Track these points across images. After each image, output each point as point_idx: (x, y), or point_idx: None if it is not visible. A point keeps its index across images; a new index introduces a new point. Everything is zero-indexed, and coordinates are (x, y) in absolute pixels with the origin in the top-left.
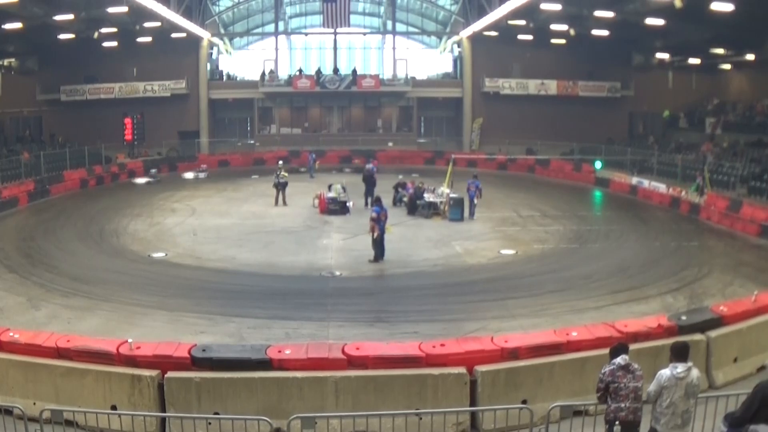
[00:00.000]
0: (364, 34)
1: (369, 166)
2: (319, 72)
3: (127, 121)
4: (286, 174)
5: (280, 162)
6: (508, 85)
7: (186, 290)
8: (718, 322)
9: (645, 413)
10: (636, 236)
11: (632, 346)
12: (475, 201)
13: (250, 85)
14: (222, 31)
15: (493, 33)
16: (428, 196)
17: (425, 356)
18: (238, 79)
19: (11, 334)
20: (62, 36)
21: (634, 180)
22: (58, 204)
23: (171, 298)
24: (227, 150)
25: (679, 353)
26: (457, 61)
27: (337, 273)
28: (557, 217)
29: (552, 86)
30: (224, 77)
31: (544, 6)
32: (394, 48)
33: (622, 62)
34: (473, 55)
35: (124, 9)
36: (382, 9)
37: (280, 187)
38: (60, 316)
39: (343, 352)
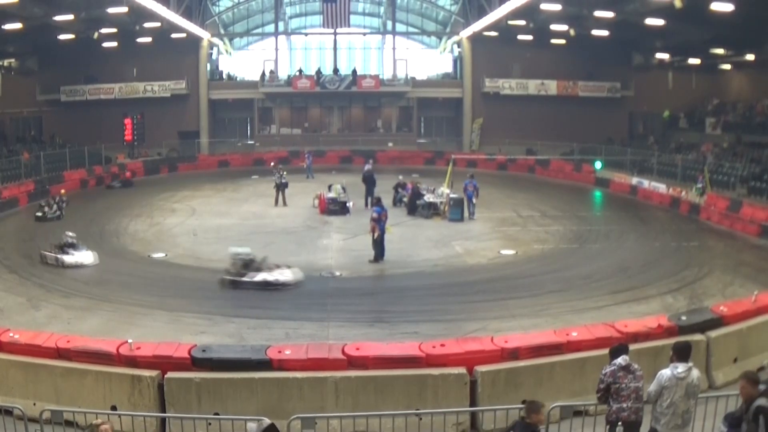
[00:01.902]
0: (364, 34)
1: (368, 166)
2: (319, 72)
3: (127, 121)
4: (285, 173)
5: (272, 163)
6: (508, 86)
7: (186, 290)
8: (718, 322)
9: (645, 413)
10: (636, 236)
11: (632, 347)
12: (474, 200)
13: (250, 85)
14: (222, 31)
15: (493, 33)
16: (428, 197)
17: (425, 356)
18: (238, 79)
19: (11, 334)
20: (62, 36)
21: (634, 180)
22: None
23: (171, 298)
24: (227, 150)
25: (681, 353)
26: (457, 61)
27: (337, 273)
28: (557, 217)
29: (552, 86)
30: (224, 77)
31: (544, 6)
32: (394, 48)
33: (622, 62)
34: (473, 55)
35: (124, 9)
36: (382, 9)
37: (281, 187)
38: (60, 316)
39: (343, 352)
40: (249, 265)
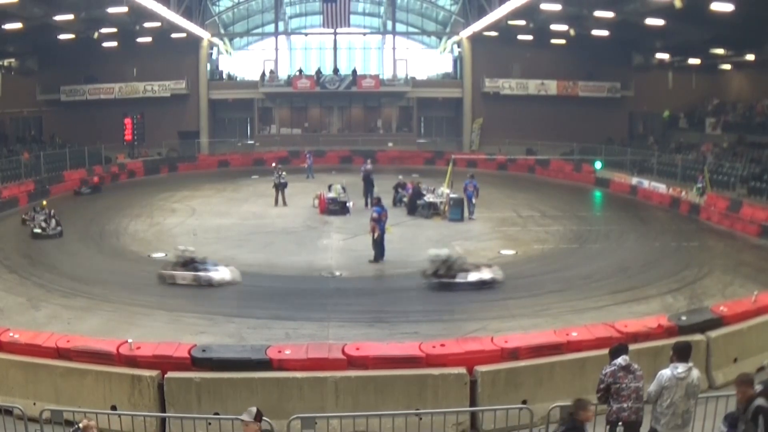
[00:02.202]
0: (364, 34)
1: (367, 166)
2: (319, 72)
3: (127, 121)
4: (284, 173)
5: (273, 164)
6: (508, 86)
7: (186, 290)
8: (718, 322)
9: (646, 413)
10: (636, 236)
11: (632, 347)
12: (474, 200)
13: (250, 85)
14: (222, 31)
15: (493, 33)
16: (428, 197)
17: (425, 356)
18: (238, 79)
19: (11, 334)
20: (62, 36)
21: (634, 180)
22: (59, 204)
23: (171, 298)
24: (227, 150)
25: (681, 353)
26: (457, 61)
27: (337, 273)
28: (557, 217)
29: (552, 86)
30: (224, 77)
31: (544, 6)
32: (394, 48)
33: (622, 62)
34: (473, 55)
35: (124, 9)
36: (382, 9)
37: (281, 187)
38: (60, 316)
39: (343, 352)
40: (452, 266)
